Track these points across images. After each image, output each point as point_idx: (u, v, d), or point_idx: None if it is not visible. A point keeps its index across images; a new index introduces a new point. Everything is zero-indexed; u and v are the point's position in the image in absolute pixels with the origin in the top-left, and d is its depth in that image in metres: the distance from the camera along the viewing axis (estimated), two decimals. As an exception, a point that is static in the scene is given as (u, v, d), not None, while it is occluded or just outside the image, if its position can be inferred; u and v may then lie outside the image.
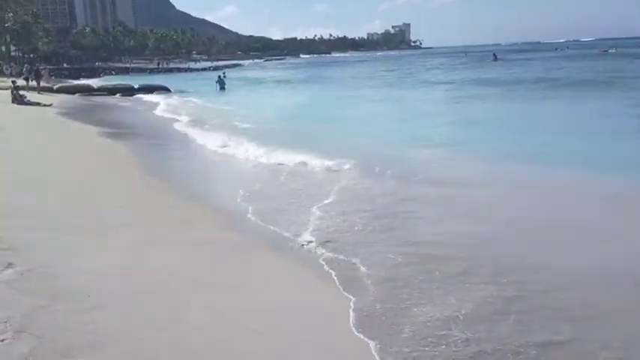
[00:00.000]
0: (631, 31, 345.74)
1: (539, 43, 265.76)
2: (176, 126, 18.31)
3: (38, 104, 24.21)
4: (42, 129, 17.15)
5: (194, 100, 30.00)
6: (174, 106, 25.18)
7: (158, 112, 24.01)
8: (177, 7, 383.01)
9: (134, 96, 33.81)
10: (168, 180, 9.62)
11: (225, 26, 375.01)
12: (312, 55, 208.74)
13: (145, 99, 31.42)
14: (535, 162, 9.84)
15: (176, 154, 13.18)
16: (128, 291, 4.45)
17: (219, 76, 39.75)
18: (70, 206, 7.19)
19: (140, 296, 4.39)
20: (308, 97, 29.68)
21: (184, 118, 19.89)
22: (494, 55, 77.31)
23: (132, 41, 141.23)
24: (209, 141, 13.98)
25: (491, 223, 6.51)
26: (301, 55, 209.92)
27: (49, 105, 24.37)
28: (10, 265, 4.47)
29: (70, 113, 21.69)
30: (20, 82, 30.23)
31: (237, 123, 17.58)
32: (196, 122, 18.34)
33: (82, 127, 17.42)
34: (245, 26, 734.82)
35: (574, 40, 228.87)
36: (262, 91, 37.70)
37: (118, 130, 16.50)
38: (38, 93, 31.49)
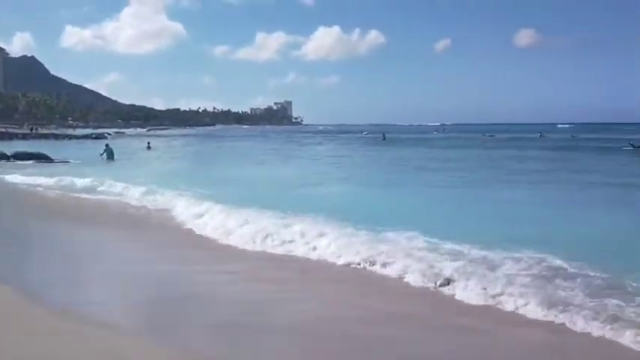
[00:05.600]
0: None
1: (392, 125, 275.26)
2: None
3: None
4: None
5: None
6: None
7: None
8: (52, 72, 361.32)
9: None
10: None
11: (103, 94, 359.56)
12: (199, 128, 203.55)
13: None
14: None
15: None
16: None
17: (107, 145, 37.63)
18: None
19: None
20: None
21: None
22: (383, 135, 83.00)
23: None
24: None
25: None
26: (186, 128, 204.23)
27: None
28: None
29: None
30: None
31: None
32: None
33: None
34: (126, 94, 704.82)
35: (418, 125, 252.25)
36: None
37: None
38: None
